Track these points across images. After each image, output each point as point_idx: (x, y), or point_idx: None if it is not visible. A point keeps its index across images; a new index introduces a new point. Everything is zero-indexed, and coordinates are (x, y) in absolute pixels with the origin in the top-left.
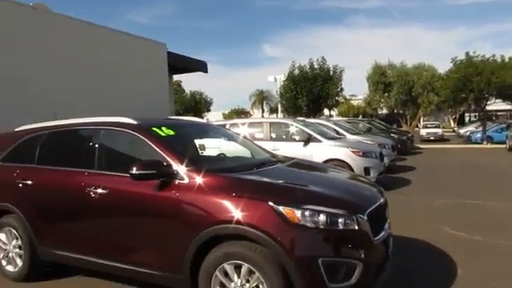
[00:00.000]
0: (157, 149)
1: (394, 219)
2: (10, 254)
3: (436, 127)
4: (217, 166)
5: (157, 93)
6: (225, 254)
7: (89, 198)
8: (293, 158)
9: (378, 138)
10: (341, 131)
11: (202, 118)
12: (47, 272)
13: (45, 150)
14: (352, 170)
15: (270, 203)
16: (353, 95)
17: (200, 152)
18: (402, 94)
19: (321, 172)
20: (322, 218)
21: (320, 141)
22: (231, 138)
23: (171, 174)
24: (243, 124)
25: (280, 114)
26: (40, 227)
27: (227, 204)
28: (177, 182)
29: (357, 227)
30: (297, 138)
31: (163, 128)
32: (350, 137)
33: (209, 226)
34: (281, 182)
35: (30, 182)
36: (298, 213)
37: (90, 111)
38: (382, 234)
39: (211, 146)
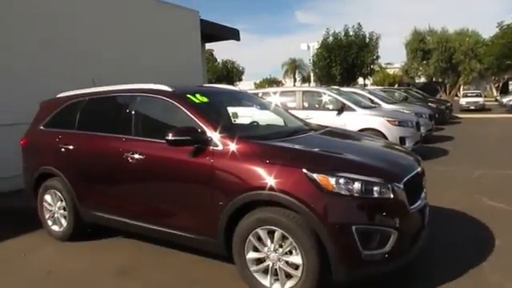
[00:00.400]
0: (191, 115)
1: (430, 189)
2: (56, 215)
3: (477, 96)
4: (250, 134)
5: (190, 61)
6: (258, 219)
7: (126, 163)
8: (326, 127)
9: (414, 107)
10: (376, 100)
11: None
12: (89, 233)
13: (84, 115)
14: (387, 139)
15: (304, 170)
16: (389, 63)
17: (233, 120)
18: (441, 61)
19: (355, 140)
20: (357, 185)
21: (354, 110)
22: (264, 106)
23: (205, 140)
24: (275, 93)
25: (312, 83)
26: (81, 190)
27: (261, 171)
28: (211, 148)
29: (392, 196)
30: (330, 107)
31: (197, 95)
32: (385, 106)
33: (242, 192)
34: (315, 149)
35: (71, 147)
36: (333, 180)
37: (123, 79)
38: (419, 203)
39: (244, 114)
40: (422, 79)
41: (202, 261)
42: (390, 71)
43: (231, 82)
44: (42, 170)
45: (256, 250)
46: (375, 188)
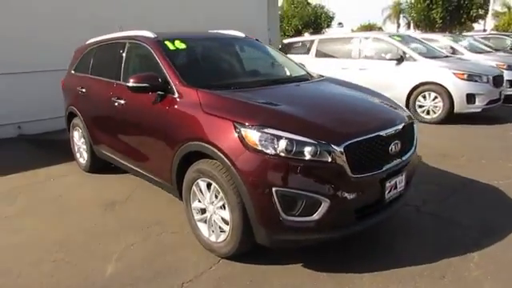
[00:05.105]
0: (159, 62)
1: (480, 158)
2: (80, 149)
3: None
4: (213, 82)
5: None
6: (198, 170)
7: (114, 108)
8: (323, 77)
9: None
10: (459, 49)
11: (322, 33)
12: (110, 168)
13: (94, 61)
14: (450, 95)
15: (234, 124)
16: None
17: (223, 66)
18: None
19: (333, 93)
20: (282, 144)
21: (415, 60)
22: (267, 53)
23: (165, 88)
24: (327, 41)
25: (411, 30)
26: (92, 129)
27: (199, 121)
28: (169, 96)
29: (330, 159)
30: (389, 56)
31: (176, 41)
32: (469, 56)
33: (184, 141)
34: (260, 102)
35: (84, 90)
36: (257, 136)
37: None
38: (376, 171)
39: (236, 62)
40: None
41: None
42: None
43: (319, 29)
44: (70, 109)
45: (199, 200)
46: (307, 149)
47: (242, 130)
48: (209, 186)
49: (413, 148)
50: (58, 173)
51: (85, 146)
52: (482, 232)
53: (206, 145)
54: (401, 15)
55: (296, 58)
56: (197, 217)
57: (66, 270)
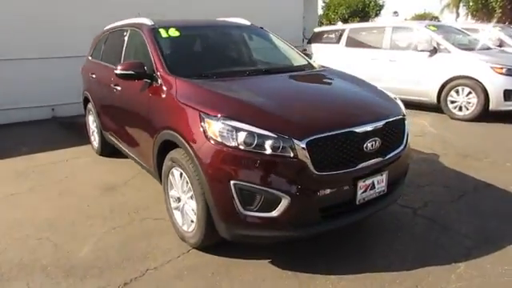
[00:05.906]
0: (149, 50)
1: (508, 162)
2: (94, 133)
3: None
4: (193, 71)
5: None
6: (171, 159)
7: (114, 94)
8: (324, 67)
9: None
10: (507, 41)
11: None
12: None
13: (105, 48)
14: (486, 91)
15: (200, 114)
16: None
17: (213, 55)
18: None
19: (318, 86)
20: (242, 136)
21: (449, 51)
22: (265, 41)
23: (150, 76)
24: (358, 30)
25: (470, 20)
26: (100, 113)
27: (173, 109)
28: (154, 84)
29: (292, 155)
30: (420, 47)
31: (171, 29)
32: None
33: (160, 129)
34: (233, 92)
35: (94, 76)
36: (217, 128)
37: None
38: (346, 169)
39: (230, 50)
40: None
41: None
42: None
43: (366, 17)
44: (84, 94)
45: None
46: (268, 142)
47: (207, 120)
48: (181, 175)
49: (401, 146)
50: (73, 155)
51: (97, 130)
52: (478, 241)
53: (175, 134)
54: (460, 4)
55: (326, 47)
56: (173, 205)
57: (46, 248)
